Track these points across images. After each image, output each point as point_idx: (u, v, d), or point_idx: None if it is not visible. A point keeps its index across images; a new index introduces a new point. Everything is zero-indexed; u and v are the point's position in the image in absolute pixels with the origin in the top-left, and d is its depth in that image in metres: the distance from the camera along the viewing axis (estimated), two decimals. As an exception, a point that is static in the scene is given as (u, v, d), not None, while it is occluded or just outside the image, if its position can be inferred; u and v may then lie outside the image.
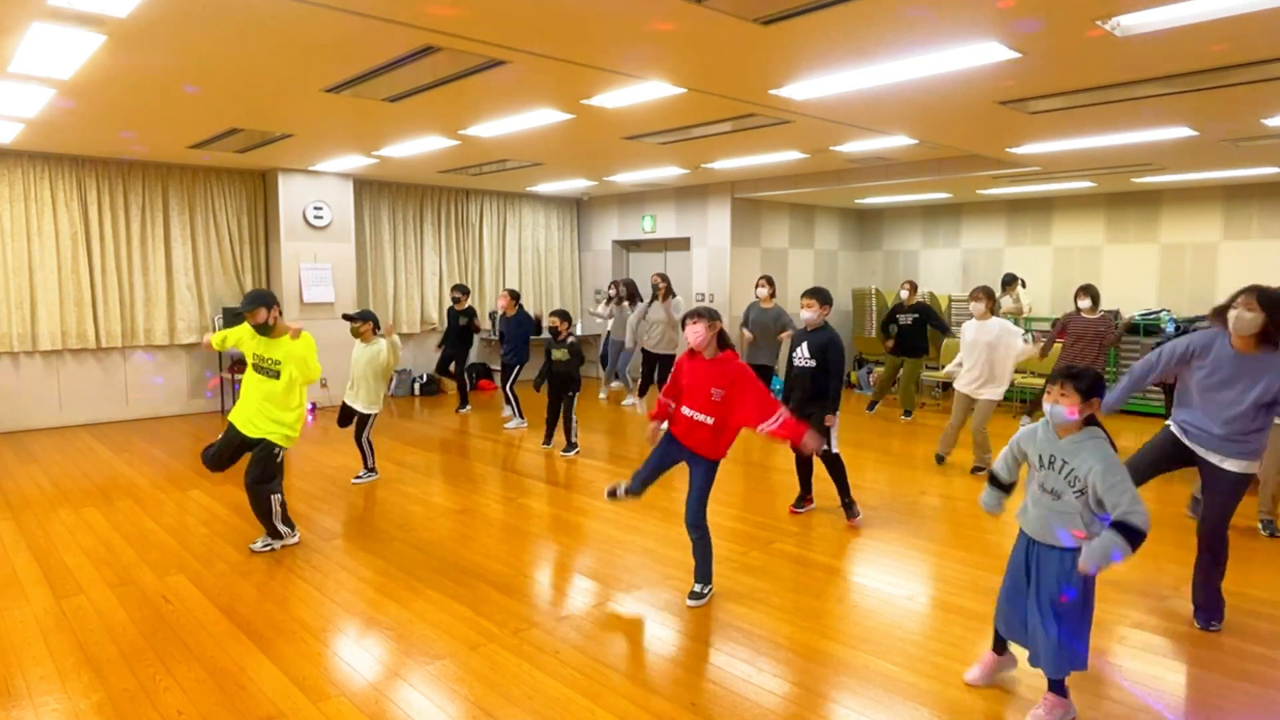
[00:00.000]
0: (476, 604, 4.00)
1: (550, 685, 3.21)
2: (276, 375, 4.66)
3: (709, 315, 3.91)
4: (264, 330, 4.68)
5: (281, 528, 4.79)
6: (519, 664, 3.38)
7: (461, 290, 9.52)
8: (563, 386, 7.27)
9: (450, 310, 9.62)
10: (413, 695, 3.14)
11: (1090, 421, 2.90)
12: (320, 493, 6.04)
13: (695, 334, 3.90)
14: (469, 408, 9.61)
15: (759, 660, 3.43)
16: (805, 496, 5.54)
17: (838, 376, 5.09)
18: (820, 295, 5.16)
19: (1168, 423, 3.86)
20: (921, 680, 3.26)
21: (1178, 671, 3.39)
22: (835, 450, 5.23)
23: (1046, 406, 2.92)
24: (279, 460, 4.73)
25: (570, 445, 7.32)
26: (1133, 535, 2.68)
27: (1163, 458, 3.83)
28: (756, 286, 8.37)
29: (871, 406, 9.44)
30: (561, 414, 7.33)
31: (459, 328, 9.49)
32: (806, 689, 3.21)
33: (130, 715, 2.99)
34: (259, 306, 4.63)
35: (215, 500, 5.80)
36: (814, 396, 5.12)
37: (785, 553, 4.77)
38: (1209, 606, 3.75)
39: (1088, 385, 2.83)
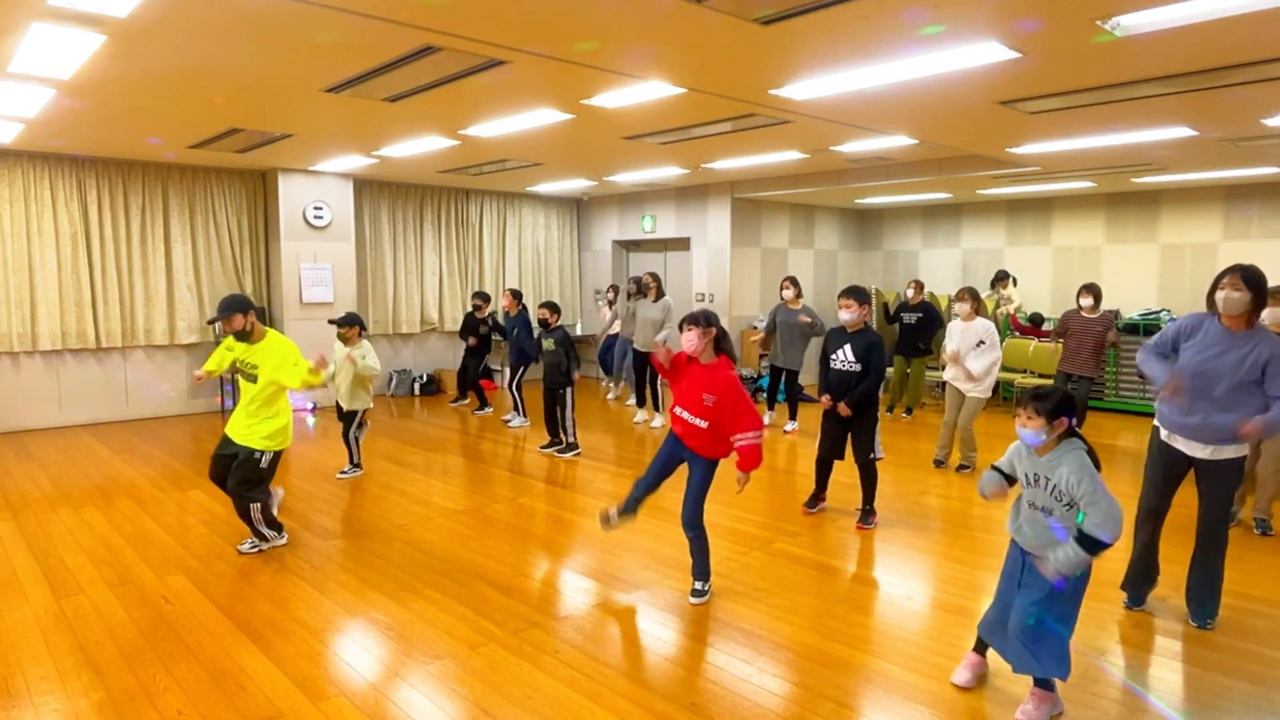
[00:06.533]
0: (476, 604, 4.00)
1: (550, 685, 3.21)
2: (255, 379, 4.59)
3: (704, 321, 3.88)
4: (243, 336, 4.60)
5: (266, 531, 4.75)
6: (519, 664, 3.38)
7: (483, 298, 9.52)
8: (552, 380, 7.23)
9: (470, 317, 9.61)
10: (413, 695, 3.14)
11: (1069, 433, 2.91)
12: (320, 493, 6.04)
13: (689, 341, 3.90)
14: (490, 408, 9.53)
15: (759, 660, 3.43)
16: (819, 495, 5.55)
17: (877, 376, 5.12)
18: (859, 295, 5.15)
19: (1155, 424, 3.86)
20: (921, 680, 3.26)
21: (1177, 671, 3.40)
22: (880, 456, 5.22)
23: (1017, 429, 2.94)
24: (266, 467, 4.64)
25: (568, 446, 7.29)
26: (1094, 546, 2.74)
27: (1170, 477, 3.83)
28: (782, 288, 8.35)
29: (890, 409, 9.34)
30: (558, 413, 7.31)
31: (480, 336, 9.47)
32: (806, 689, 3.21)
33: (130, 715, 2.99)
34: (233, 313, 4.53)
35: (215, 500, 5.79)
36: (859, 399, 5.14)
37: (785, 553, 4.77)
38: (1209, 603, 3.75)
39: (1053, 405, 2.84)
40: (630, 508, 4.19)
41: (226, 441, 4.67)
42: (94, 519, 5.37)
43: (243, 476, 4.59)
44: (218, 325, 8.64)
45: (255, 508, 4.66)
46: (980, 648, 3.26)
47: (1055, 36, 3.97)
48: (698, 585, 4.08)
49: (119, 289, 8.77)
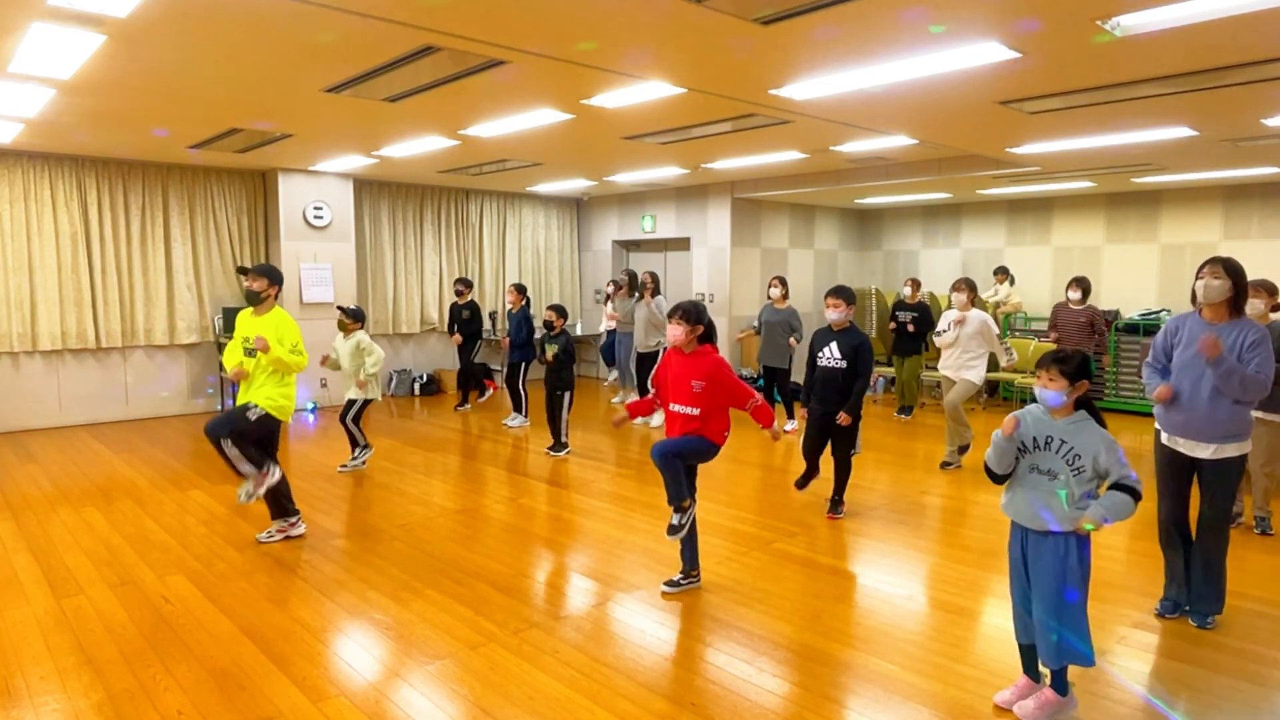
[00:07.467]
0: (476, 604, 4.00)
1: (550, 685, 3.21)
2: (254, 354, 4.72)
3: (692, 318, 3.95)
4: (253, 299, 4.75)
5: (245, 469, 4.60)
6: (519, 664, 3.38)
7: (464, 283, 9.47)
8: (553, 383, 7.26)
9: (453, 305, 9.55)
10: (413, 695, 3.14)
11: (1081, 405, 2.94)
12: (320, 493, 6.04)
13: (674, 334, 3.99)
14: (468, 406, 9.59)
15: (759, 660, 3.43)
16: (811, 474, 5.62)
17: (865, 379, 5.21)
18: (846, 295, 5.26)
19: (1156, 428, 3.87)
20: (921, 680, 3.26)
21: (1178, 671, 3.39)
22: (858, 452, 5.38)
23: (1037, 391, 2.96)
24: (253, 422, 4.64)
25: (560, 445, 7.30)
26: (1134, 494, 2.81)
27: (1180, 475, 3.82)
28: (770, 287, 8.47)
29: (909, 411, 9.21)
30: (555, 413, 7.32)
31: (462, 321, 9.40)
32: (806, 689, 3.21)
33: (130, 715, 2.99)
34: (263, 276, 4.74)
35: (215, 500, 5.80)
36: (843, 396, 5.23)
37: (785, 553, 4.77)
38: (1210, 602, 3.75)
39: (1074, 368, 2.87)
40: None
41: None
42: (94, 519, 5.37)
43: (226, 417, 4.68)
44: (215, 320, 8.59)
45: (226, 443, 4.56)
46: (1029, 667, 3.07)
47: (1055, 36, 3.97)
48: (675, 519, 4.00)
49: (119, 289, 8.77)
